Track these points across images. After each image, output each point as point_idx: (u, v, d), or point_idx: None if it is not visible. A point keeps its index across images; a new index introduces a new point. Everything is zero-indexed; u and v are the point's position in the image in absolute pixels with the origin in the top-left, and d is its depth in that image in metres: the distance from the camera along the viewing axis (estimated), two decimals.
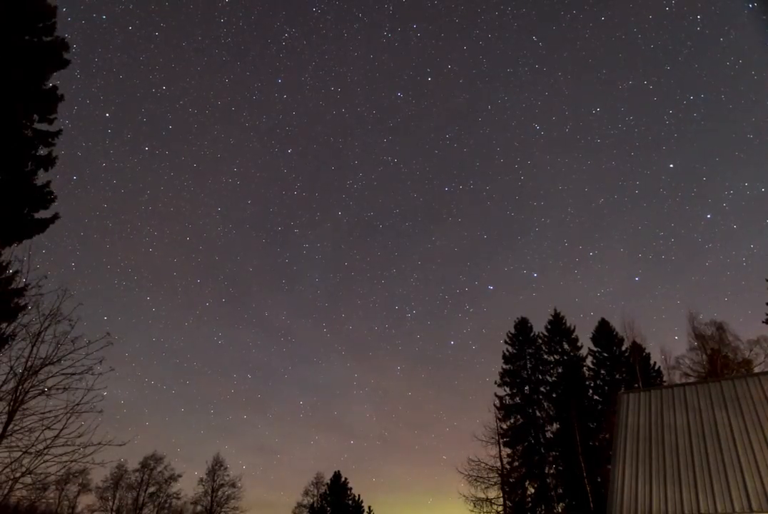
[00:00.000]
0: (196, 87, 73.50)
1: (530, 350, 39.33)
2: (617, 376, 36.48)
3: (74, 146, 63.23)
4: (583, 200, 75.85)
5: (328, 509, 51.31)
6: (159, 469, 50.93)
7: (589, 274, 73.75)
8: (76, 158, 64.50)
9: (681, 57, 62.55)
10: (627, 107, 68.02)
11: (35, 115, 13.46)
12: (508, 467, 35.27)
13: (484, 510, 33.83)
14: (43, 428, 10.76)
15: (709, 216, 62.19)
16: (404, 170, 78.21)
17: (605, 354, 37.77)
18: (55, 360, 11.22)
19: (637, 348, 36.97)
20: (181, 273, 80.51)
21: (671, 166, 66.16)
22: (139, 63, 68.12)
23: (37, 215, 13.25)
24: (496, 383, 38.51)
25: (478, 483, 34.46)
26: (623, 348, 37.68)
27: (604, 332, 38.81)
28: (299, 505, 52.69)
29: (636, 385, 33.46)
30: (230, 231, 79.76)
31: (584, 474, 31.42)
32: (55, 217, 13.40)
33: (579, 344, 38.86)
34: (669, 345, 77.14)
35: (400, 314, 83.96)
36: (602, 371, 37.20)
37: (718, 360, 34.81)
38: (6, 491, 10.78)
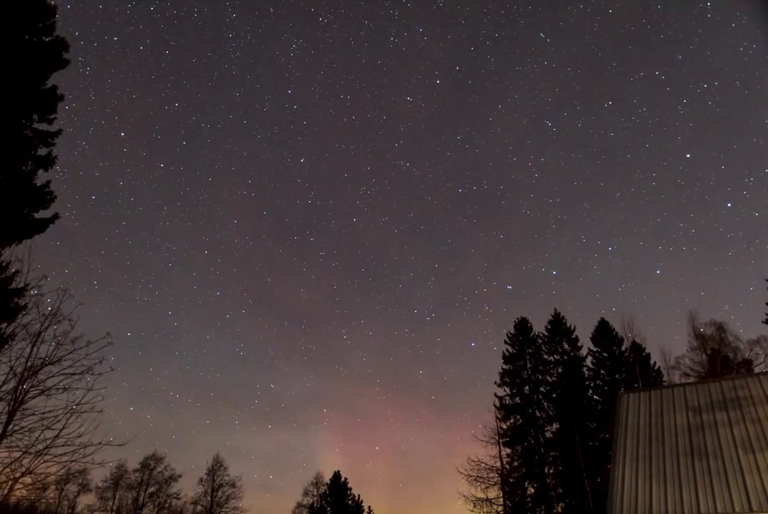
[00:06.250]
0: (208, 102, 74.48)
1: (530, 350, 39.30)
2: (617, 376, 36.45)
3: (92, 167, 63.97)
4: (599, 195, 75.76)
5: (328, 509, 51.27)
6: (159, 469, 51.00)
7: (609, 269, 73.40)
8: (94, 178, 65.68)
9: (692, 45, 61.74)
10: (639, 99, 67.79)
11: (35, 115, 13.45)
12: (508, 467, 35.25)
13: (484, 510, 33.82)
14: (43, 428, 10.75)
15: (729, 205, 60.79)
16: (417, 174, 78.29)
17: (605, 354, 37.75)
18: (55, 360, 11.22)
19: (636, 348, 36.96)
20: (200, 286, 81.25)
21: (688, 156, 65.64)
22: (151, 81, 69.02)
23: (36, 215, 13.23)
24: (496, 383, 38.55)
25: (478, 483, 34.47)
26: (623, 348, 37.68)
27: (603, 332, 38.79)
28: (299, 505, 52.69)
29: (636, 385, 33.44)
30: (247, 243, 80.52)
31: (584, 474, 31.40)
32: (55, 217, 13.38)
33: (579, 344, 38.86)
34: (669, 345, 76.82)
35: (419, 318, 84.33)
36: (602, 371, 37.17)
37: (718, 360, 34.80)
38: (6, 491, 10.76)
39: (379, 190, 79.53)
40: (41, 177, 13.38)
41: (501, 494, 34.09)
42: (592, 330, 39.48)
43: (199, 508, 50.41)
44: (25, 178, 13.07)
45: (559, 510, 33.09)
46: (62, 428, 10.72)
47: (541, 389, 37.62)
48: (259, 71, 74.25)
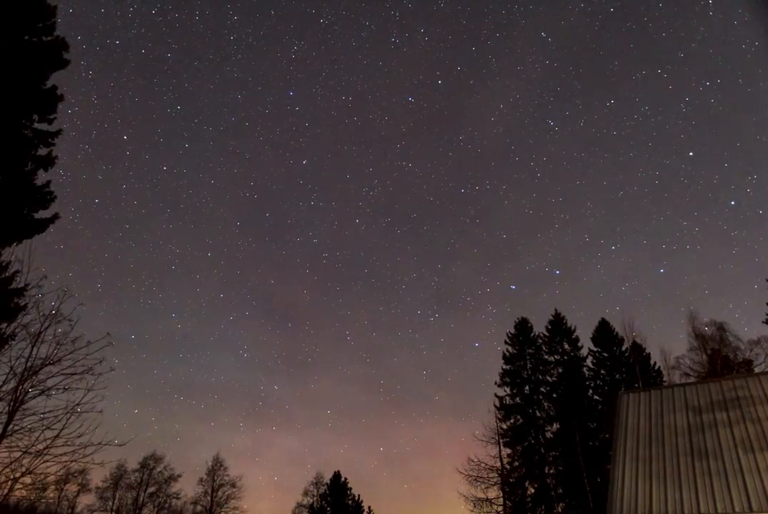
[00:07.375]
0: (210, 105, 74.81)
1: (530, 351, 39.30)
2: (617, 376, 36.46)
3: (95, 170, 64.29)
4: (602, 194, 75.66)
5: (328, 509, 51.27)
6: (159, 469, 50.97)
7: (612, 268, 73.10)
8: (97, 182, 66.36)
9: (695, 43, 61.51)
10: (642, 97, 67.88)
11: (35, 115, 13.44)
12: (508, 467, 35.25)
13: (484, 510, 33.82)
14: (43, 428, 10.75)
15: (733, 203, 60.78)
16: (419, 174, 78.43)
17: (605, 354, 37.75)
18: (55, 360, 11.21)
19: (637, 348, 36.96)
20: (204, 289, 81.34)
21: (691, 154, 64.97)
22: (153, 85, 69.48)
23: (36, 215, 13.22)
24: (496, 383, 38.55)
25: (478, 483, 34.47)
26: (623, 348, 37.68)
27: (604, 332, 38.80)
28: (299, 505, 52.66)
29: (636, 385, 33.44)
30: (250, 245, 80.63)
31: (584, 474, 31.40)
32: (55, 217, 13.37)
33: (579, 344, 38.88)
34: (670, 345, 76.68)
35: (423, 319, 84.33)
36: (602, 371, 37.18)
37: (718, 360, 34.79)
38: (6, 491, 10.76)
39: (381, 191, 79.67)
40: (41, 177, 13.38)
41: (501, 494, 34.09)
42: (593, 330, 39.54)
43: (199, 508, 50.42)
44: (25, 178, 13.06)
45: (559, 510, 33.08)
46: (62, 428, 10.71)
47: (542, 389, 37.63)
48: (261, 73, 74.60)
